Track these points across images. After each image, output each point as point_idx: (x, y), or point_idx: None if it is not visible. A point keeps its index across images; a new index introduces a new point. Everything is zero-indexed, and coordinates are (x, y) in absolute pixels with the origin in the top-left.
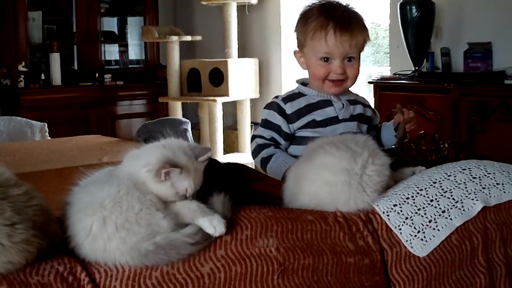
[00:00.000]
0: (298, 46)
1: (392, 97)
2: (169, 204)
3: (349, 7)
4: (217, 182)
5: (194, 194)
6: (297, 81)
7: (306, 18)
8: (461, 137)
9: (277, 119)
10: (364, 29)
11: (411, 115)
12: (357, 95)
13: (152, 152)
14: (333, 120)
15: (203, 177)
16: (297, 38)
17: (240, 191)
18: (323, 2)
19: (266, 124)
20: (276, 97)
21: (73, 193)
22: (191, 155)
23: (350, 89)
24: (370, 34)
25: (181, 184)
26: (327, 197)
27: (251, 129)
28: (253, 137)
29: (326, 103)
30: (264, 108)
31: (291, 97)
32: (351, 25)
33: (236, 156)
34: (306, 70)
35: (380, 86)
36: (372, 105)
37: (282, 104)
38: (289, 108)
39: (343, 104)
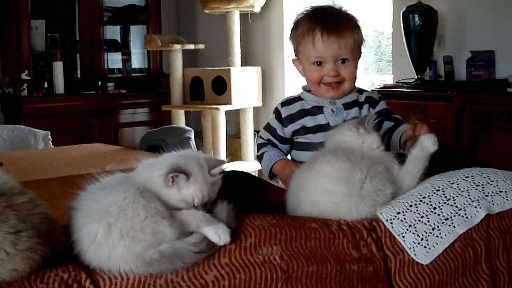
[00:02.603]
0: (294, 54)
1: (395, 106)
2: (174, 212)
3: (342, 9)
4: (221, 190)
5: (207, 205)
6: (303, 87)
7: (297, 25)
8: (464, 145)
9: (274, 122)
10: (354, 29)
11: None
12: (361, 93)
13: (167, 160)
14: (324, 127)
15: (217, 190)
16: (292, 46)
17: (244, 199)
18: (314, 7)
19: (266, 127)
20: (280, 102)
21: (80, 199)
22: (204, 167)
23: (359, 87)
24: (364, 38)
25: (188, 191)
26: (328, 206)
27: (254, 137)
28: (259, 136)
29: (318, 110)
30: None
31: (289, 101)
32: (339, 26)
33: (239, 164)
34: (305, 78)
35: (383, 94)
36: None
37: (279, 107)
38: (284, 112)
39: (333, 111)
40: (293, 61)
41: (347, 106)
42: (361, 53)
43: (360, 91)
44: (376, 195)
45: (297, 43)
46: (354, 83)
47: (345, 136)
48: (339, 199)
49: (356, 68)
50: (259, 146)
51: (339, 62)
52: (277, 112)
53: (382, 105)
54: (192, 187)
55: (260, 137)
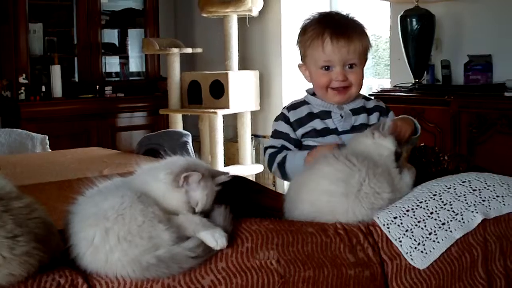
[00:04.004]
0: (301, 59)
1: (393, 110)
2: (171, 216)
3: (349, 16)
4: (218, 194)
5: (202, 215)
6: (306, 90)
7: (304, 30)
8: (461, 149)
9: (284, 127)
10: (362, 35)
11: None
12: (368, 100)
13: (176, 161)
14: (333, 132)
15: (213, 200)
16: (299, 51)
17: (241, 204)
18: (322, 13)
19: (275, 134)
20: (284, 107)
21: (78, 203)
22: (210, 173)
23: (363, 93)
24: (371, 44)
25: (196, 194)
26: (326, 206)
27: (252, 141)
28: (265, 149)
29: (326, 115)
30: (274, 120)
31: (295, 105)
32: (348, 31)
33: (236, 168)
34: (311, 83)
35: (380, 98)
36: None
37: (286, 112)
38: (292, 116)
39: (342, 116)
40: (299, 66)
41: (355, 112)
42: (367, 59)
43: (366, 98)
44: (374, 197)
45: (305, 47)
46: (360, 89)
47: (360, 143)
48: (336, 200)
49: (363, 74)
50: (272, 156)
51: (346, 67)
52: (284, 117)
53: (392, 117)
54: (200, 191)
55: (271, 146)
